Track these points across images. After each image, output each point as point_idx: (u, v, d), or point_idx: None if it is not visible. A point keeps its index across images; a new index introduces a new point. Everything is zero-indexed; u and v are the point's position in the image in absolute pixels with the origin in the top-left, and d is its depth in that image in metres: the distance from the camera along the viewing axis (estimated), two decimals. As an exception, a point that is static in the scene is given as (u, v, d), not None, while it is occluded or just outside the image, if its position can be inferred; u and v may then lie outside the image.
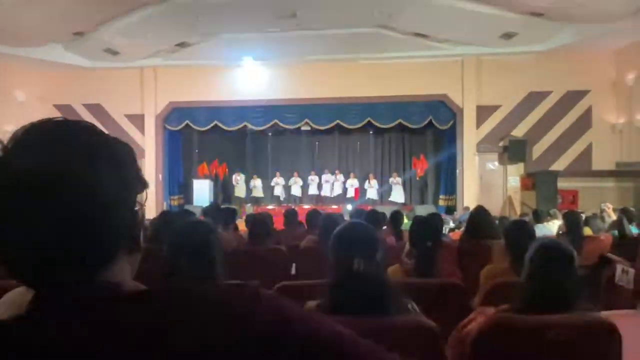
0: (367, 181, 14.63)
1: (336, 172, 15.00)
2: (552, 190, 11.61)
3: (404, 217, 5.55)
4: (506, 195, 12.71)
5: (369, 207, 8.42)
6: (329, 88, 12.96)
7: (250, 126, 14.20)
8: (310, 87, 13.06)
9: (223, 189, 15.59)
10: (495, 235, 3.92)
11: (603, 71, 12.22)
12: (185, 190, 14.77)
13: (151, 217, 4.58)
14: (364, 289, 1.62)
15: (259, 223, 4.11)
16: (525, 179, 12.61)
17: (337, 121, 13.76)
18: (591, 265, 3.51)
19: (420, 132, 14.60)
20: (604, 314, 1.80)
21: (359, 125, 13.96)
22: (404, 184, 14.83)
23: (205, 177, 14.71)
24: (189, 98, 13.41)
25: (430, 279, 2.50)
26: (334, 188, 14.73)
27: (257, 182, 14.95)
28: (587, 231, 5.40)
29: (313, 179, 14.92)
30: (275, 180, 14.99)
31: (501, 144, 12.71)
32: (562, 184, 11.83)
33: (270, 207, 13.72)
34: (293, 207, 10.63)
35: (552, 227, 6.15)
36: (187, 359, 0.50)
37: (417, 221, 3.01)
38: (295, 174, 15.01)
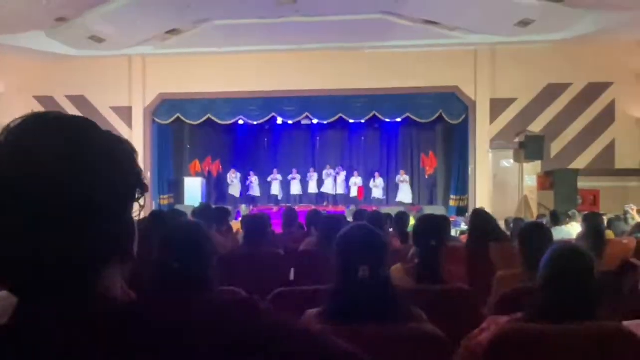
0: (372, 180, 14.64)
1: (338, 168, 14.97)
2: (571, 190, 11.58)
3: (411, 218, 5.56)
4: (522, 195, 12.69)
5: (374, 208, 8.43)
6: (331, 79, 12.93)
7: (246, 120, 14.21)
8: (310, 78, 13.02)
9: (216, 187, 15.62)
10: (501, 237, 3.94)
11: (627, 62, 12.16)
12: (176, 189, 14.74)
13: (140, 218, 4.58)
14: (368, 298, 1.63)
15: (256, 224, 4.09)
16: (543, 177, 12.59)
17: (340, 115, 13.71)
18: (613, 271, 3.51)
19: (429, 127, 14.55)
20: (626, 323, 1.80)
21: (364, 120, 13.98)
22: (411, 183, 14.83)
23: (197, 174, 14.70)
24: (180, 89, 13.38)
25: (437, 285, 2.50)
26: (337, 186, 14.72)
27: (253, 180, 14.97)
28: (610, 234, 5.41)
29: (312, 176, 14.93)
30: (272, 177, 15.00)
31: (517, 140, 12.69)
32: (583, 183, 11.81)
33: (267, 206, 13.74)
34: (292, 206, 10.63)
35: (571, 230, 6.15)
36: None
37: (421, 219, 3.02)
38: (295, 171, 15.02)
